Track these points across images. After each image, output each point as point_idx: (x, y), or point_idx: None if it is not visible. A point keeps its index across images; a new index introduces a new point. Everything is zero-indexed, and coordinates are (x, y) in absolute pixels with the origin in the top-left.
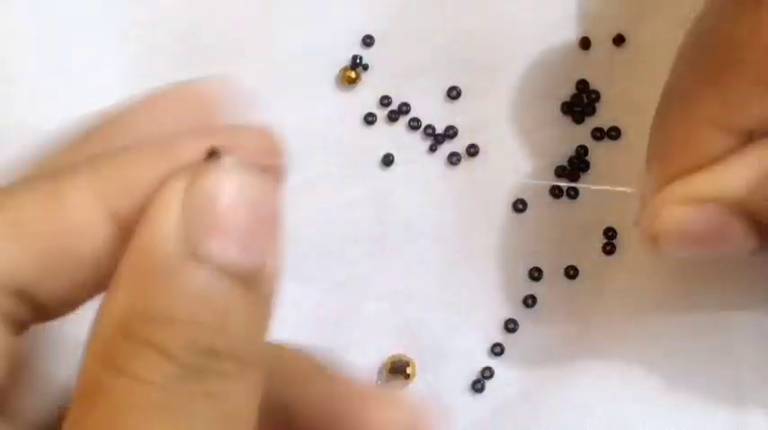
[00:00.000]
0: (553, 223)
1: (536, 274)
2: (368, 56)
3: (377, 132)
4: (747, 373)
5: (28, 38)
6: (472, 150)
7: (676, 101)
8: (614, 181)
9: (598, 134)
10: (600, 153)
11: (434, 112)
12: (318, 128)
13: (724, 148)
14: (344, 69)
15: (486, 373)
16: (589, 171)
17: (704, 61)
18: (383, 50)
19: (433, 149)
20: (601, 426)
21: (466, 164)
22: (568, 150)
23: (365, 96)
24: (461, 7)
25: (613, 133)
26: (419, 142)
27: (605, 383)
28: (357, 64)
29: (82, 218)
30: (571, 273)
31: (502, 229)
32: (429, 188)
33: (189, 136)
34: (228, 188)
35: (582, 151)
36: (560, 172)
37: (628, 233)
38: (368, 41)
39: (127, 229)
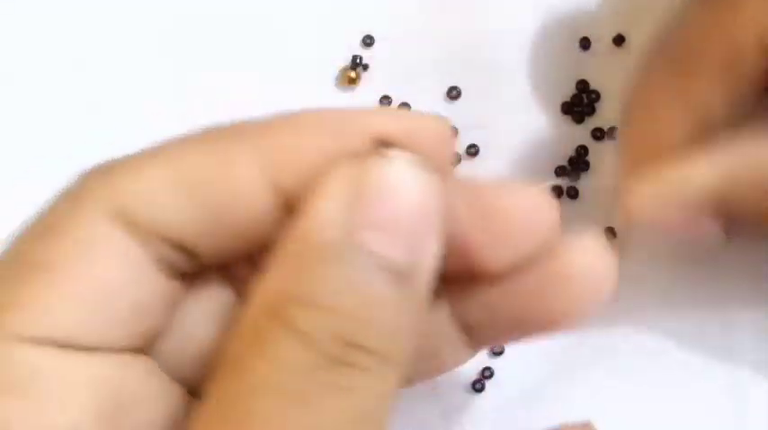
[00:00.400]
0: None
1: None
2: (368, 56)
3: None
4: (747, 373)
5: (29, 39)
6: (472, 150)
7: (643, 90)
8: (614, 181)
9: (598, 134)
10: (600, 153)
11: (434, 112)
12: None
13: (683, 135)
14: (344, 69)
15: (486, 373)
16: (589, 171)
17: (669, 54)
18: (383, 50)
19: None
20: (601, 426)
21: (466, 164)
22: (568, 150)
23: (365, 96)
24: (461, 7)
25: (613, 133)
26: None
27: (605, 383)
28: (357, 64)
29: (246, 184)
30: None
31: None
32: None
33: (360, 118)
34: (399, 185)
35: (582, 151)
36: (560, 172)
37: (627, 233)
38: (368, 41)
39: (285, 202)
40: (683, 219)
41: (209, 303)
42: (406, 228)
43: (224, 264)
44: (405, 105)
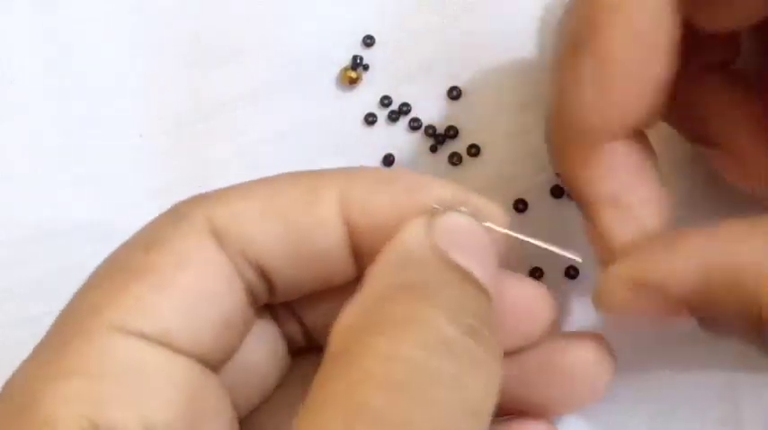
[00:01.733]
0: (553, 223)
1: (536, 274)
2: (368, 56)
3: (377, 132)
4: (743, 373)
5: (31, 39)
6: (473, 150)
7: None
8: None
9: None
10: None
11: (435, 112)
12: (318, 128)
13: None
14: (345, 69)
15: None
16: None
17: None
18: (383, 50)
19: (433, 150)
20: (599, 425)
21: (467, 164)
22: None
23: (365, 96)
24: (461, 7)
25: None
26: (420, 142)
27: None
28: (357, 64)
29: (327, 218)
30: (571, 272)
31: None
32: None
33: (429, 183)
34: (466, 224)
35: None
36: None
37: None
38: (368, 41)
39: (353, 244)
40: (656, 312)
41: (264, 338)
42: (480, 254)
43: (297, 291)
44: (405, 105)
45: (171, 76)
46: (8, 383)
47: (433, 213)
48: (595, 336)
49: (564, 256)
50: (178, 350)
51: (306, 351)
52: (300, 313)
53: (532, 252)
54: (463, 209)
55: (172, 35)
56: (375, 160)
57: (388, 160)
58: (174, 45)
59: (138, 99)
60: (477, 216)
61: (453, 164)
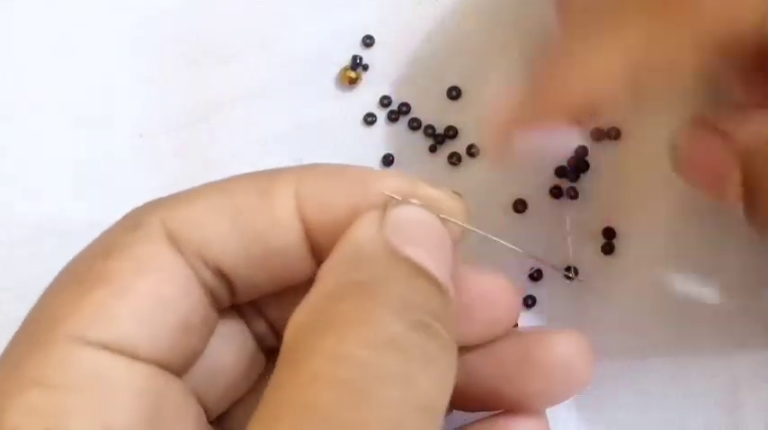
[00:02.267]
0: (553, 223)
1: (536, 274)
2: (368, 56)
3: (377, 132)
4: (744, 372)
5: (30, 38)
6: (472, 150)
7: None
8: (614, 181)
9: (598, 134)
10: (600, 153)
11: (434, 112)
12: (318, 128)
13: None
14: (344, 69)
15: None
16: (589, 171)
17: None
18: (383, 50)
19: (433, 150)
20: (599, 426)
21: (466, 164)
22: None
23: (365, 96)
24: (461, 7)
25: (613, 133)
26: (419, 142)
27: (604, 382)
28: (357, 64)
29: (283, 215)
30: (570, 275)
31: (502, 229)
32: None
33: (380, 178)
34: (418, 217)
35: (582, 151)
36: (560, 172)
37: (627, 233)
38: (368, 41)
39: (310, 237)
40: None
41: (231, 338)
42: (428, 244)
43: (255, 292)
44: (405, 105)
45: (171, 76)
46: None
47: (386, 207)
48: (574, 331)
49: (563, 258)
50: (138, 357)
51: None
52: (266, 312)
53: (533, 251)
54: (415, 201)
55: (172, 35)
56: (375, 160)
57: (388, 160)
58: (174, 45)
59: (138, 99)
60: (432, 207)
61: (453, 164)
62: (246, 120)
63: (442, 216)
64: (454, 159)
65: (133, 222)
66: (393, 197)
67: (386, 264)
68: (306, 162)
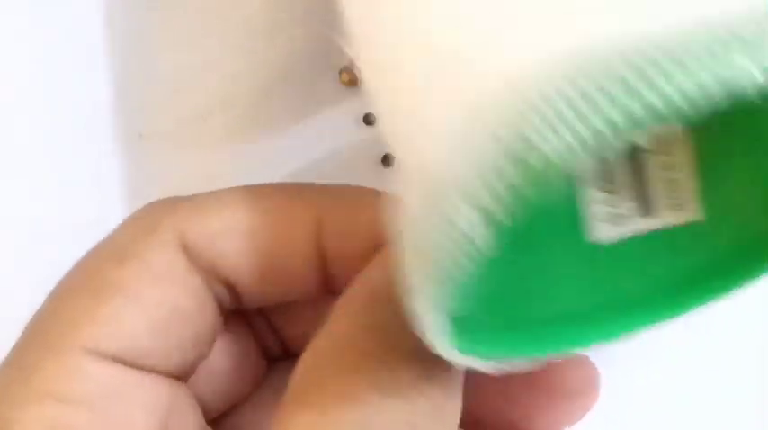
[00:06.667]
0: None
1: None
2: None
3: (377, 132)
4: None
5: (29, 36)
6: None
7: None
8: None
9: None
10: None
11: None
12: (318, 128)
13: None
14: (344, 69)
15: None
16: None
17: None
18: None
19: None
20: (600, 425)
21: None
22: None
23: (365, 96)
24: None
25: None
26: None
27: (604, 382)
28: None
29: (300, 245)
30: None
31: None
32: None
33: None
34: None
35: None
36: None
37: None
38: None
39: (323, 261)
40: None
41: (233, 341)
42: None
43: (258, 303)
44: None
45: (170, 76)
46: None
47: None
48: (581, 356)
49: None
50: (150, 369)
51: (281, 353)
52: (269, 315)
53: None
54: None
55: (172, 35)
56: (375, 160)
57: (388, 160)
58: (173, 45)
59: (137, 99)
60: None
61: None
62: (246, 120)
63: None
64: None
65: (146, 225)
66: None
67: (396, 309)
68: (303, 162)
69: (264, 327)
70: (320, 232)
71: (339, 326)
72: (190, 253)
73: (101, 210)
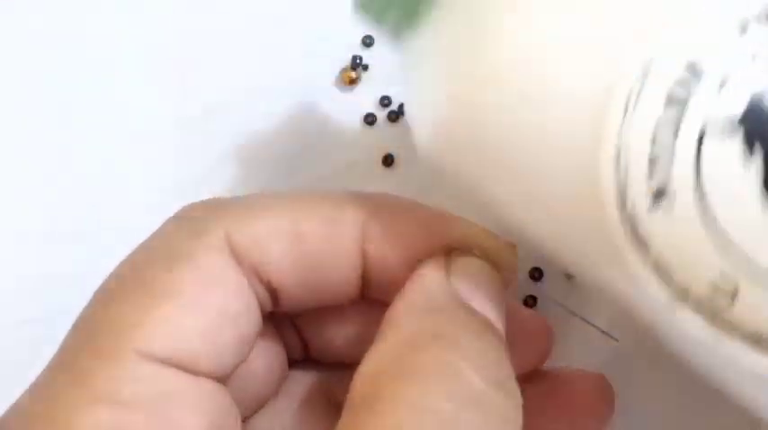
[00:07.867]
0: None
1: (536, 274)
2: (367, 56)
3: (377, 132)
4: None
5: (30, 38)
6: None
7: None
8: None
9: None
10: None
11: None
12: (318, 128)
13: None
14: (344, 69)
15: None
16: None
17: None
18: (383, 50)
19: None
20: None
21: None
22: None
23: (365, 96)
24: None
25: None
26: None
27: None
28: (357, 64)
29: (345, 251)
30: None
31: (502, 230)
32: (429, 188)
33: (447, 225)
34: (482, 270)
35: None
36: None
37: None
38: (368, 41)
39: (365, 269)
40: None
41: (266, 345)
42: (497, 303)
43: (299, 307)
44: (404, 105)
45: (171, 76)
46: (20, 408)
47: (449, 253)
48: (597, 374)
49: None
50: (201, 373)
51: (300, 362)
52: (296, 321)
53: (532, 253)
54: (476, 252)
55: (172, 35)
56: (375, 160)
57: (388, 160)
58: (174, 45)
59: (138, 99)
60: (489, 257)
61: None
62: (246, 120)
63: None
64: None
65: (194, 227)
66: (456, 245)
67: (460, 317)
68: (303, 162)
69: (290, 331)
70: (366, 241)
71: (402, 334)
72: (237, 255)
73: (102, 211)
